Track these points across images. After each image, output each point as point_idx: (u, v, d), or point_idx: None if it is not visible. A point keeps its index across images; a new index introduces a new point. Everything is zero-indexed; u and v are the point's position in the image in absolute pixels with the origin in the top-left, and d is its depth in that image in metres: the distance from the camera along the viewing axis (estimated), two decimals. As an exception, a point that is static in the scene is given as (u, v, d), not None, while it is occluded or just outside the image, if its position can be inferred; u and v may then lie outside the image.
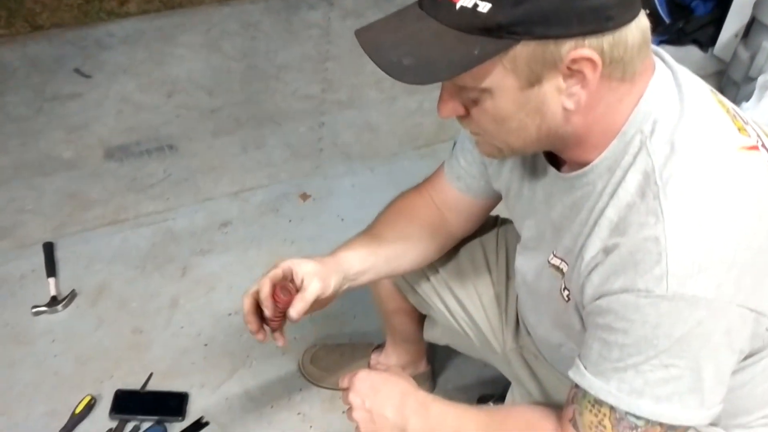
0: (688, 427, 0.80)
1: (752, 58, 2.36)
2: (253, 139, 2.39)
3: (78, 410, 1.58)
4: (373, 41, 0.73)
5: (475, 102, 0.76)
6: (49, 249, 1.96)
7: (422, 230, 1.14)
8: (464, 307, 1.25)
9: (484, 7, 0.66)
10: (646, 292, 0.71)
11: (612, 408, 0.78)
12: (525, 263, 1.01)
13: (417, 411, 0.93)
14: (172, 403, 1.62)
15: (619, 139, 0.77)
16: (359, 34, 0.74)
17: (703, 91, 0.80)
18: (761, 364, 0.85)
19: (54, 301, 1.82)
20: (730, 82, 2.49)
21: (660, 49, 0.81)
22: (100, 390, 1.65)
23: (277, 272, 0.99)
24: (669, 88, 0.77)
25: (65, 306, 1.83)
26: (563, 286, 0.87)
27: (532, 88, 0.71)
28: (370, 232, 1.13)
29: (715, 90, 0.83)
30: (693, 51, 2.74)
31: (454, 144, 1.12)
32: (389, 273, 1.14)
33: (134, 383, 1.66)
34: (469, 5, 0.67)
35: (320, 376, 1.66)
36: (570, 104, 0.73)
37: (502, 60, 0.69)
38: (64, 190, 2.18)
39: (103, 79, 2.64)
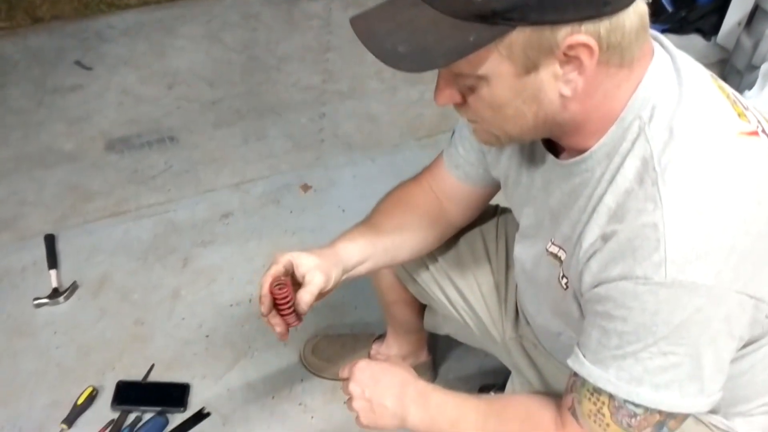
0: (687, 415, 0.80)
1: (755, 46, 2.34)
2: (254, 131, 2.38)
3: (80, 401, 1.59)
4: (368, 29, 0.72)
5: (472, 89, 0.75)
6: (50, 241, 1.96)
7: (421, 219, 1.14)
8: (464, 297, 1.25)
9: None
10: (645, 279, 0.71)
11: (611, 396, 0.78)
12: (523, 251, 1.01)
13: (416, 400, 0.94)
14: (174, 394, 1.62)
15: (617, 126, 0.76)
16: (354, 21, 0.73)
17: (702, 77, 0.79)
18: (761, 352, 0.85)
19: (55, 293, 1.83)
20: (733, 71, 2.47)
21: (659, 34, 0.80)
22: (102, 381, 1.65)
23: (279, 268, 0.97)
24: (668, 74, 0.76)
25: (67, 298, 1.83)
26: (561, 274, 0.87)
27: (529, 75, 0.71)
28: (369, 222, 1.12)
29: (715, 75, 0.83)
30: (696, 40, 2.72)
31: (453, 133, 1.11)
32: (388, 263, 1.14)
33: (136, 374, 1.67)
34: None
35: (322, 366, 1.66)
36: (567, 91, 0.72)
37: (498, 47, 0.68)
38: (65, 182, 2.18)
39: (104, 71, 2.64)
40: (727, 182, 0.72)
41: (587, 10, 0.66)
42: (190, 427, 1.56)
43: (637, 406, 0.77)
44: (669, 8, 2.68)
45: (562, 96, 0.73)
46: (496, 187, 1.11)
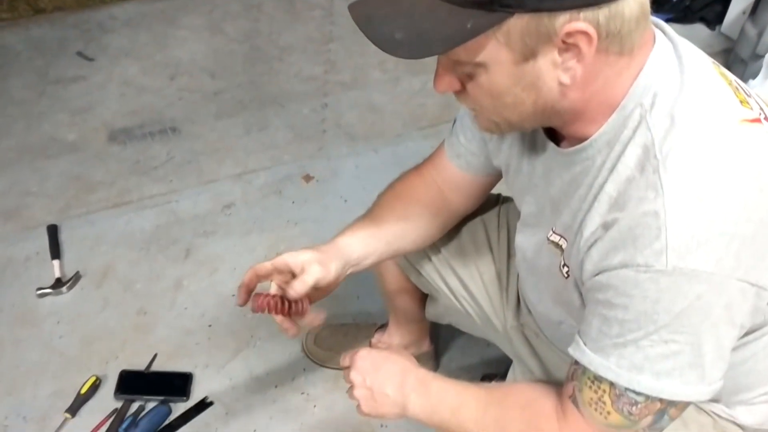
0: (688, 403, 0.80)
1: (760, 35, 2.33)
2: (256, 121, 2.38)
3: (83, 390, 1.60)
4: (367, 15, 0.72)
5: (471, 77, 0.75)
6: (53, 231, 1.97)
7: (423, 210, 1.13)
8: (465, 286, 1.25)
9: None
10: (646, 267, 0.70)
11: (612, 384, 0.78)
12: (525, 240, 1.01)
13: (417, 388, 0.94)
14: (177, 384, 1.63)
15: (618, 113, 0.76)
16: (352, 8, 0.73)
17: (704, 64, 0.79)
18: (763, 341, 0.84)
19: (59, 283, 1.83)
20: (737, 60, 2.46)
21: (661, 21, 0.79)
22: (105, 371, 1.66)
23: (265, 265, 0.98)
24: (669, 61, 0.76)
25: (70, 288, 1.84)
26: (562, 263, 0.87)
27: (527, 63, 0.70)
28: (370, 215, 1.12)
29: (717, 62, 0.82)
30: (700, 29, 2.70)
31: (454, 122, 1.11)
32: (392, 254, 1.13)
33: (139, 364, 1.67)
34: None
35: (324, 356, 1.66)
36: (566, 79, 0.72)
37: (496, 34, 0.68)
38: (68, 173, 2.19)
39: (106, 62, 2.63)
40: (729, 169, 0.71)
41: None
42: (193, 416, 1.57)
43: (638, 394, 0.77)
44: (673, -3, 2.66)
45: (561, 84, 0.72)
46: (497, 176, 1.11)
